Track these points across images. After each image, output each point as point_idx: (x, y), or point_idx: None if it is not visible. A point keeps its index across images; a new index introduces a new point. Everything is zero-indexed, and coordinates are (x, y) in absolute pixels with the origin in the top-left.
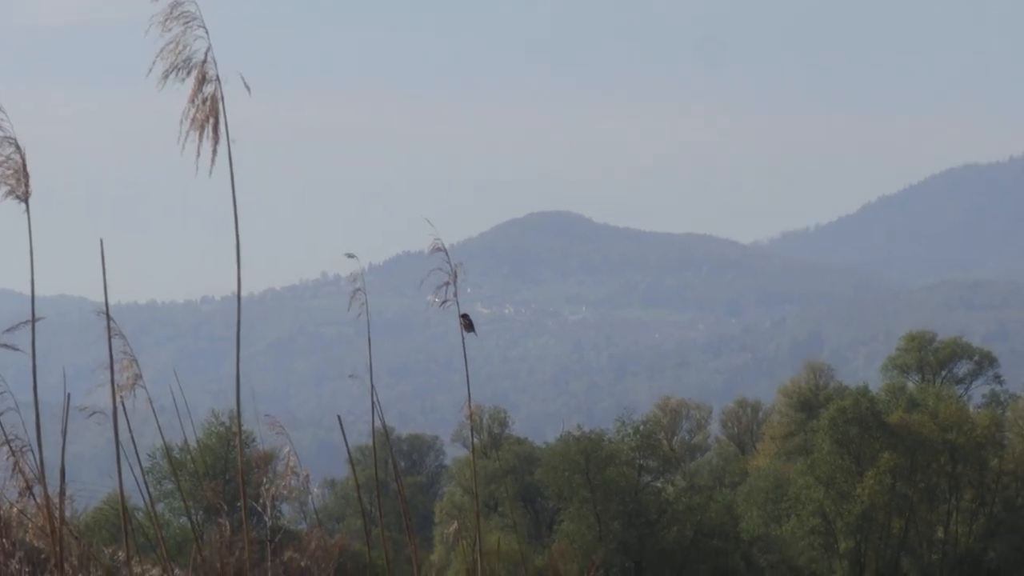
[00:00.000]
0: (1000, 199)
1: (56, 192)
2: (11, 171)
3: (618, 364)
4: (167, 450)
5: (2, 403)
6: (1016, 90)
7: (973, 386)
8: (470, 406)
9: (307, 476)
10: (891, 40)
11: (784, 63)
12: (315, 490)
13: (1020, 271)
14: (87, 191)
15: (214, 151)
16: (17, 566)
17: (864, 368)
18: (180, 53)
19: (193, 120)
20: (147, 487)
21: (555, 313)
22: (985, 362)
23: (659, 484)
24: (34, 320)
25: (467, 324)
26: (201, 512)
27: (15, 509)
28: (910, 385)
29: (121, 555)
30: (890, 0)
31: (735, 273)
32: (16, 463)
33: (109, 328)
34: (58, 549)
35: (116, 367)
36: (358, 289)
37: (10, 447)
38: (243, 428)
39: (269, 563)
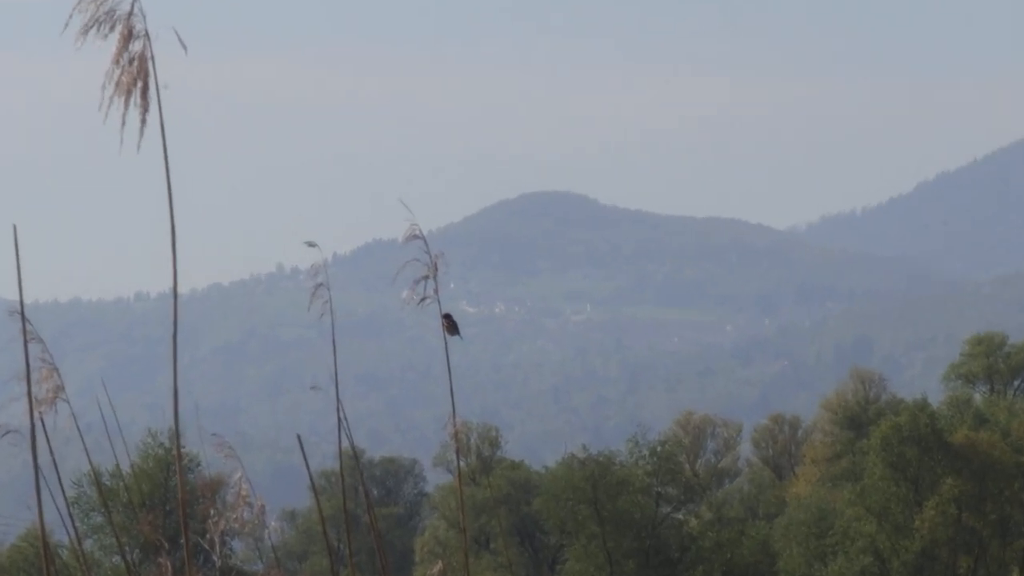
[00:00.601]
0: None
1: None
2: None
3: (630, 373)
4: (95, 476)
5: None
6: None
7: None
8: (455, 423)
9: (262, 507)
10: None
11: (824, 17)
12: (272, 524)
13: None
14: None
15: (143, 121)
16: None
17: (922, 377)
18: (102, 4)
19: (118, 84)
20: (72, 520)
21: (555, 312)
22: None
23: (681, 516)
24: None
25: (450, 326)
26: (137, 550)
27: None
28: (977, 398)
29: None
30: None
31: (768, 264)
32: None
33: (25, 331)
34: None
35: (33, 377)
36: (320, 284)
37: None
38: (185, 450)
39: None
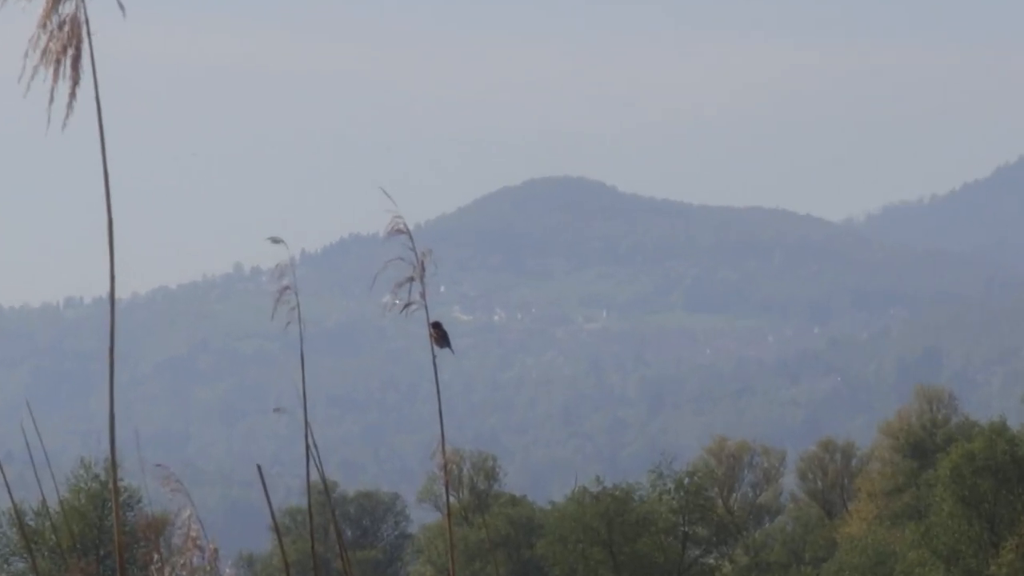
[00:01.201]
0: None
1: None
2: None
3: (653, 391)
4: (18, 515)
5: None
6: None
7: None
8: (444, 452)
9: (215, 551)
10: None
11: None
12: (227, 571)
13: None
14: None
15: (73, 95)
16: None
17: (1000, 396)
18: None
19: (45, 52)
20: None
21: (564, 320)
22: None
23: (712, 560)
24: None
25: (439, 336)
26: None
27: None
28: None
29: None
30: None
31: (820, 263)
32: None
33: None
34: None
35: None
36: (286, 287)
37: None
38: (123, 483)
39: None
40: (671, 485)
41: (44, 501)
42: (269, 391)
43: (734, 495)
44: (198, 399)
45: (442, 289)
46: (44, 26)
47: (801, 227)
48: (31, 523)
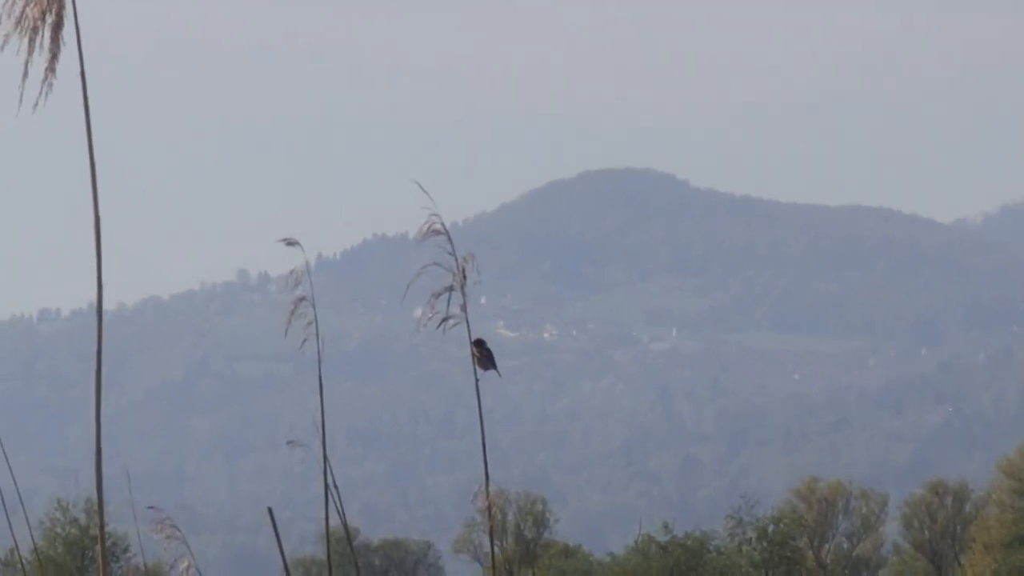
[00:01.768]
0: None
1: None
2: None
3: (732, 424)
4: None
5: None
6: None
7: None
8: (487, 493)
9: None
10: None
11: None
12: None
13: None
14: None
15: (52, 70)
16: None
17: None
18: None
19: (20, 20)
20: None
21: (627, 339)
22: None
23: None
24: None
25: (483, 357)
26: None
27: None
28: None
29: None
30: None
31: (929, 273)
32: None
33: None
34: None
35: None
36: (302, 299)
37: None
38: (109, 529)
39: None
40: (752, 534)
41: (16, 547)
42: (280, 422)
43: (827, 545)
44: (196, 431)
45: (483, 301)
46: None
47: (907, 230)
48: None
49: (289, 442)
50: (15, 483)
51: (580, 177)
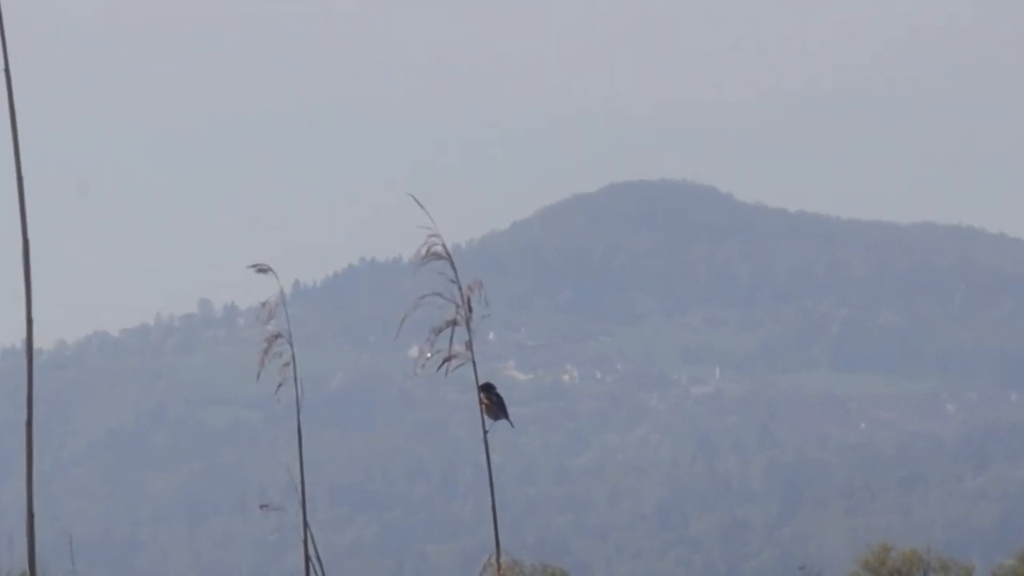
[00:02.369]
0: None
1: None
2: None
3: (786, 480)
4: None
5: None
6: None
7: None
8: (498, 565)
9: None
10: None
11: None
12: None
13: None
14: None
15: None
16: None
17: None
18: None
19: None
20: None
21: (662, 381)
22: None
23: None
24: None
25: (492, 405)
26: None
27: None
28: None
29: None
30: None
31: (1017, 301)
32: None
33: None
34: None
35: None
36: (276, 335)
37: None
38: None
39: None
40: None
41: None
42: (251, 480)
43: None
44: (151, 490)
45: (491, 337)
46: None
47: (991, 251)
48: None
49: (262, 505)
50: None
51: (605, 190)
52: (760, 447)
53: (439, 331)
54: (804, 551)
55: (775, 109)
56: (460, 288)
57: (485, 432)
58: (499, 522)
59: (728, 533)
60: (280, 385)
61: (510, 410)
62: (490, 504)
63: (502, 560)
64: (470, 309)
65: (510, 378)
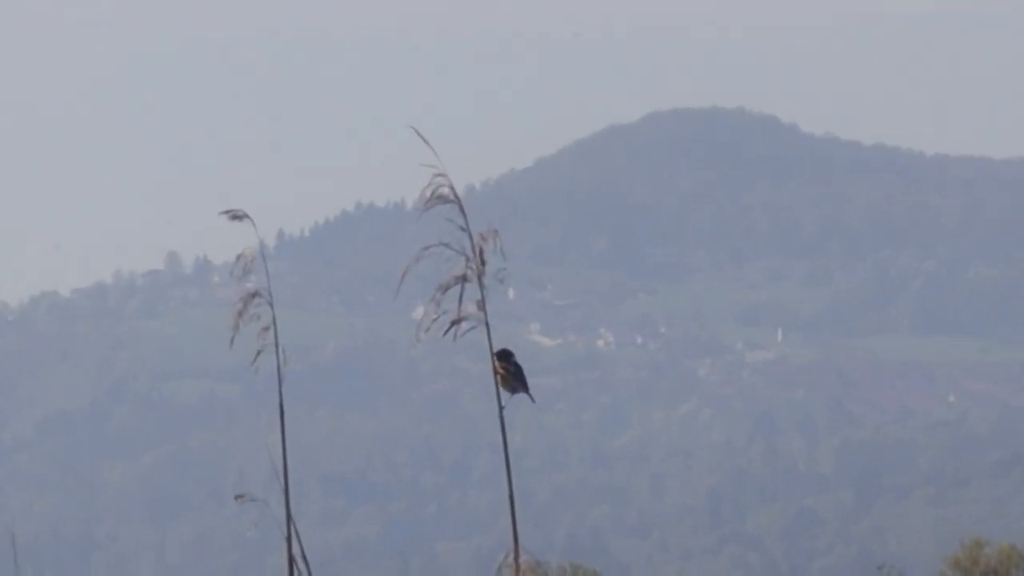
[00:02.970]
0: None
1: None
2: None
3: (861, 464)
4: None
5: None
6: None
7: None
8: (517, 566)
9: None
10: None
11: None
12: None
13: None
14: None
15: None
16: None
17: None
18: None
19: None
20: None
21: (714, 347)
22: None
23: None
24: None
25: (509, 376)
26: None
27: None
28: None
29: None
30: None
31: None
32: None
33: None
34: None
35: None
36: (255, 294)
37: None
38: None
39: None
40: None
41: None
42: (226, 466)
43: None
44: (110, 479)
45: (511, 295)
46: None
47: None
48: None
49: (239, 496)
50: None
51: (646, 121)
52: (830, 425)
53: (447, 288)
54: (883, 548)
55: (846, 25)
56: (472, 237)
57: (501, 408)
58: (521, 516)
59: (792, 528)
60: (259, 354)
61: (531, 382)
62: (508, 495)
63: (522, 560)
64: (483, 262)
65: (534, 344)
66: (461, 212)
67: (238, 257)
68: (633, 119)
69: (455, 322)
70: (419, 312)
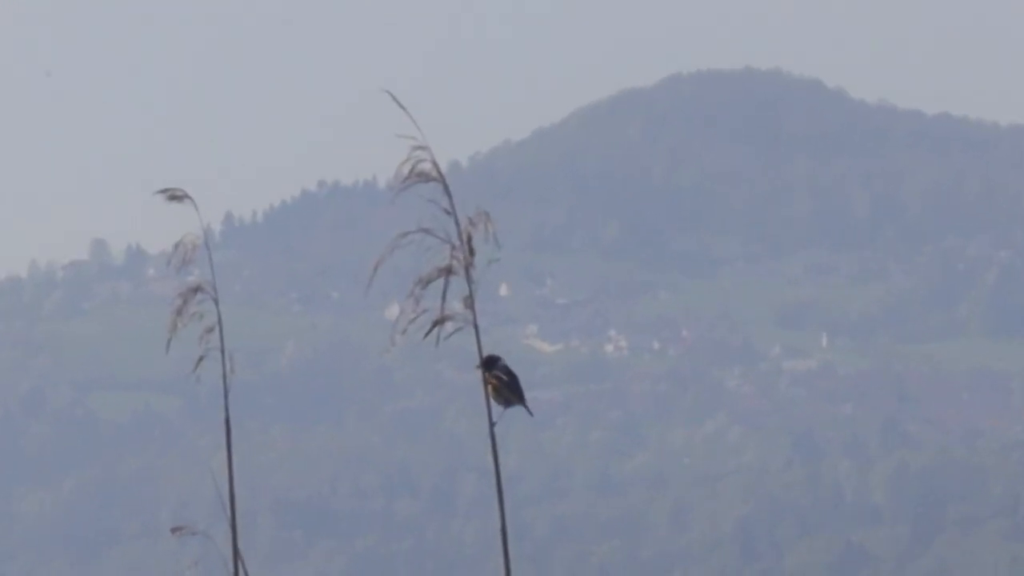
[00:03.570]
0: None
1: None
2: None
3: (920, 492)
4: None
5: None
6: None
7: None
8: None
9: None
10: None
11: None
12: None
13: None
14: None
15: None
16: None
17: None
18: None
19: None
20: None
21: (746, 354)
22: None
23: None
24: None
25: (500, 385)
26: None
27: None
28: None
29: None
30: None
31: None
32: None
33: None
34: None
35: None
36: (197, 291)
37: None
38: None
39: None
40: None
41: None
42: (163, 494)
43: None
44: (24, 509)
45: (503, 291)
46: None
47: None
48: None
49: (176, 529)
50: None
51: (665, 84)
52: (884, 447)
53: (428, 283)
54: None
55: None
56: (458, 222)
57: (492, 425)
58: (515, 553)
59: (839, 568)
60: (201, 360)
61: (528, 394)
62: (499, 527)
63: None
64: (472, 251)
65: (532, 349)
66: (446, 192)
67: (177, 245)
68: (651, 82)
69: (437, 322)
70: (394, 311)
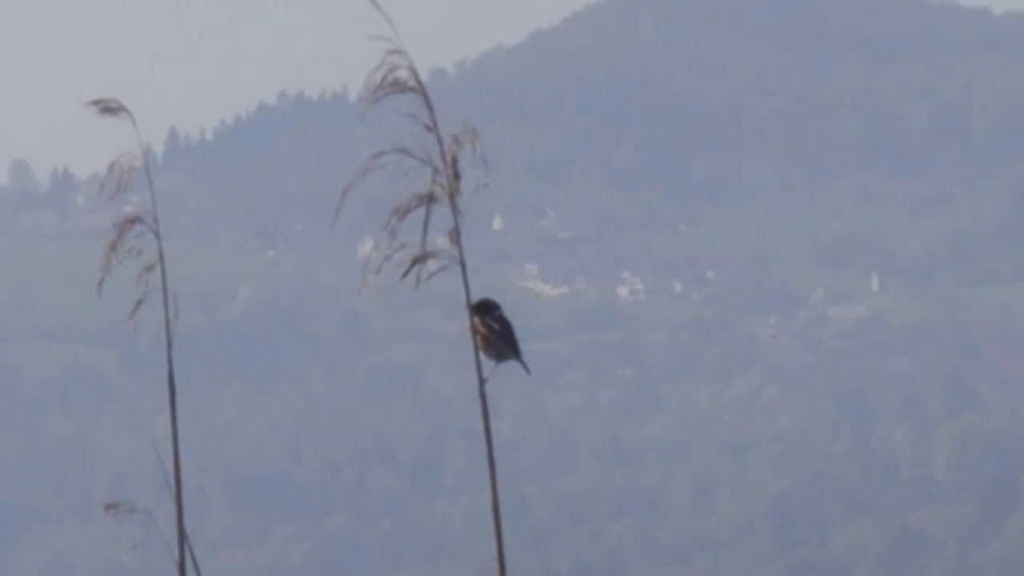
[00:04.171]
0: None
1: None
2: None
3: (989, 464)
4: None
5: None
6: None
7: None
8: None
9: None
10: None
11: None
12: None
13: None
14: None
15: None
16: None
17: None
18: None
19: None
20: None
21: (783, 299)
22: None
23: None
24: None
25: (491, 335)
26: None
27: None
28: None
29: None
30: None
31: None
32: None
33: None
34: None
35: None
36: (134, 221)
37: None
38: None
39: None
40: None
41: None
42: (96, 464)
43: None
44: None
45: (496, 224)
46: None
47: None
48: None
49: (111, 506)
50: None
51: None
52: (946, 410)
53: (406, 213)
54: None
55: None
56: (441, 140)
57: (483, 383)
58: (510, 534)
59: (892, 552)
60: (139, 304)
61: (526, 346)
62: (491, 504)
63: None
64: (458, 175)
65: (530, 292)
66: (426, 104)
67: (111, 167)
68: None
69: (417, 260)
70: (367, 247)
